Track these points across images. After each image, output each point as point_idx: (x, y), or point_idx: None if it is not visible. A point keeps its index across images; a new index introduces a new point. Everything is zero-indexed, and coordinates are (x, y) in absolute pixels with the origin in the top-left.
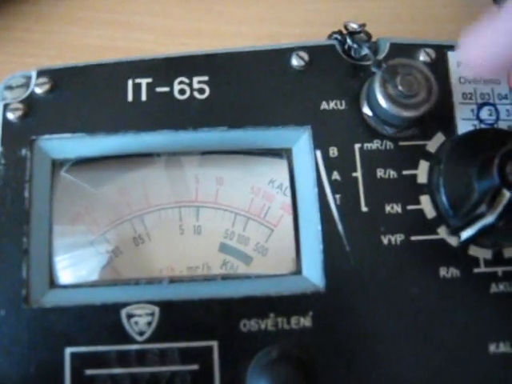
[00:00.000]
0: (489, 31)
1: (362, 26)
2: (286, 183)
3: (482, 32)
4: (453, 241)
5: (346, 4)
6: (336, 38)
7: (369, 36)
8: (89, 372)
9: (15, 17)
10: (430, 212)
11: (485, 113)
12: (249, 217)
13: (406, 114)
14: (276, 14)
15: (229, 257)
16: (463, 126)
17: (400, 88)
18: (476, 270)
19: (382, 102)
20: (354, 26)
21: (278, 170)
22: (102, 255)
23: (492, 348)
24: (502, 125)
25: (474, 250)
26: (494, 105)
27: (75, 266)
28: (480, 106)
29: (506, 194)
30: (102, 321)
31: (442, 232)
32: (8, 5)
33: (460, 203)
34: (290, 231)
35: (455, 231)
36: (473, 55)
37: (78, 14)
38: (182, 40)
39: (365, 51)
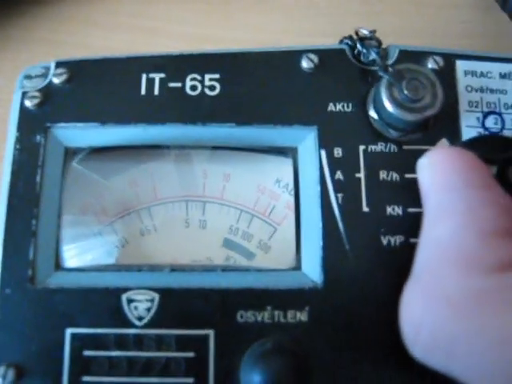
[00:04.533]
0: None
1: (373, 32)
2: (292, 183)
3: None
4: None
5: (365, 17)
6: (347, 43)
7: (379, 42)
8: (87, 353)
9: (40, 18)
10: None
11: (490, 121)
12: (254, 214)
13: (411, 117)
14: (295, 25)
15: (232, 252)
16: (468, 133)
17: (406, 92)
18: None
19: (388, 105)
20: (364, 31)
21: (283, 170)
22: (108, 244)
23: None
24: (508, 134)
25: None
26: (499, 114)
27: (81, 252)
28: (486, 115)
29: None
30: (103, 304)
31: None
32: (33, 6)
33: None
34: (292, 230)
35: None
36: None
37: (101, 18)
38: (200, 46)
39: (373, 56)
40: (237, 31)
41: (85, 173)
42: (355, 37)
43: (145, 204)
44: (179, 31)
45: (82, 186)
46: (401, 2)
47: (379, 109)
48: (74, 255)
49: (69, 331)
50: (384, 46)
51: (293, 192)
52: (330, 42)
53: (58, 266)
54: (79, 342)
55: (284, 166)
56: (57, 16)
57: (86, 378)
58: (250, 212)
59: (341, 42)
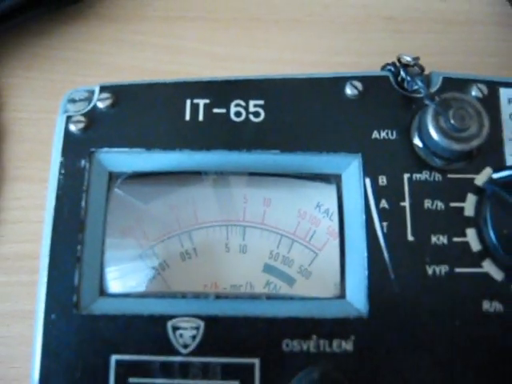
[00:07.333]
0: None
1: (416, 59)
2: (333, 208)
3: None
4: (497, 275)
5: (388, 35)
6: (390, 70)
7: (422, 69)
8: (132, 380)
9: (65, 37)
10: (475, 245)
11: None
12: (294, 239)
13: (457, 147)
14: (319, 43)
15: (272, 277)
16: None
17: (452, 121)
18: None
19: (434, 134)
20: (407, 58)
21: (325, 195)
22: (149, 268)
23: None
24: None
25: None
26: None
27: (124, 276)
28: None
29: None
30: (148, 331)
31: (487, 265)
32: (58, 25)
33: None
34: (334, 256)
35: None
36: None
37: (126, 37)
38: (225, 65)
39: (418, 84)
40: (261, 51)
41: (126, 197)
42: (398, 63)
43: (185, 228)
44: (204, 50)
45: (123, 211)
46: (427, 20)
47: (424, 137)
48: (118, 281)
49: (113, 358)
50: (422, 66)
51: (333, 217)
52: (356, 60)
53: (103, 291)
54: (124, 368)
55: (326, 192)
56: (82, 35)
57: None
58: (290, 237)
59: (383, 68)
